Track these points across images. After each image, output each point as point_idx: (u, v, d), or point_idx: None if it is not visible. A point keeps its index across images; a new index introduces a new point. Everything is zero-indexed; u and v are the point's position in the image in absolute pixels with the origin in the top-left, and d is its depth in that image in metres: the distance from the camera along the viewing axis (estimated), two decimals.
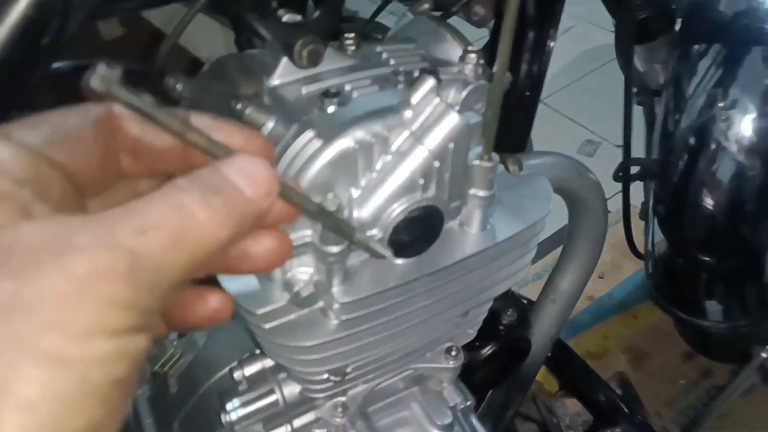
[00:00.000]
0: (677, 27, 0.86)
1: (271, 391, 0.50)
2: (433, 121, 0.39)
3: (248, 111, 0.41)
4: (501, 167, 0.48)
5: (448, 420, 0.57)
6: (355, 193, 0.40)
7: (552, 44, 0.65)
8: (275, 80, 0.43)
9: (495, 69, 0.37)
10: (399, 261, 0.43)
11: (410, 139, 0.39)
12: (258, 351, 0.54)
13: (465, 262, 0.45)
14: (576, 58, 2.48)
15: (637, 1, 0.78)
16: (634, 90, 0.91)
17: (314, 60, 0.42)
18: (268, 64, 0.44)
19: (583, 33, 2.42)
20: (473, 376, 0.68)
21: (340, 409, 0.52)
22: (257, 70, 0.44)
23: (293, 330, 0.43)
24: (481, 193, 0.43)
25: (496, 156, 0.43)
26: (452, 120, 0.39)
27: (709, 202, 0.83)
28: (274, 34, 0.43)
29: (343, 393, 0.53)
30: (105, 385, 0.19)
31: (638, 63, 0.89)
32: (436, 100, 0.39)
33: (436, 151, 0.39)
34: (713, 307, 0.87)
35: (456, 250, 0.45)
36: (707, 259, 0.87)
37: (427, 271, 0.44)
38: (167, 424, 0.59)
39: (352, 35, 0.46)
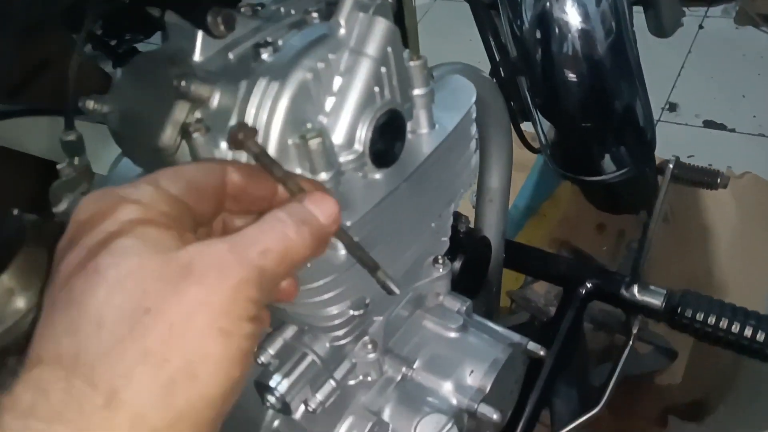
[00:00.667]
0: None
1: (304, 355, 0.51)
2: (366, 32, 0.42)
3: (193, 87, 0.41)
4: None
5: (461, 321, 0.61)
6: (324, 120, 0.42)
7: None
8: (198, 57, 0.44)
9: None
10: (378, 175, 0.46)
11: (353, 54, 0.42)
12: (268, 333, 0.54)
13: (429, 159, 0.49)
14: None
15: None
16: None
17: (230, 23, 0.44)
18: (183, 48, 0.45)
19: None
20: (456, 289, 0.73)
21: (370, 346, 0.54)
22: (176, 55, 0.45)
23: (308, 274, 0.44)
24: (422, 90, 0.48)
25: (424, 55, 0.47)
26: (383, 24, 0.42)
27: (573, 75, 0.94)
28: (181, 12, 0.44)
29: (366, 332, 0.55)
30: (248, 352, 0.29)
31: None
32: (360, 14, 0.43)
33: (379, 57, 0.43)
34: (608, 162, 0.99)
35: (419, 151, 0.49)
36: (590, 124, 0.98)
37: (404, 176, 0.47)
38: None
39: (244, 3, 0.48)
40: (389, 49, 0.43)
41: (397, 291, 0.38)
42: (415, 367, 0.59)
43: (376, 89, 0.43)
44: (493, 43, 1.09)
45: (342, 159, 0.43)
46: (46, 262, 0.43)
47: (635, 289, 0.77)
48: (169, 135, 0.42)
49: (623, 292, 0.78)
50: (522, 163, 1.59)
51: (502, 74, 0.94)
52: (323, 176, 0.41)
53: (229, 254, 0.29)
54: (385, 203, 0.46)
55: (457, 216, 0.76)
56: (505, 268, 0.87)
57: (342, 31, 0.42)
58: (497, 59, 0.91)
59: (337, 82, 0.42)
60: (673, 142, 1.94)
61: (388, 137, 0.44)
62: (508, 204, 0.80)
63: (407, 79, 0.46)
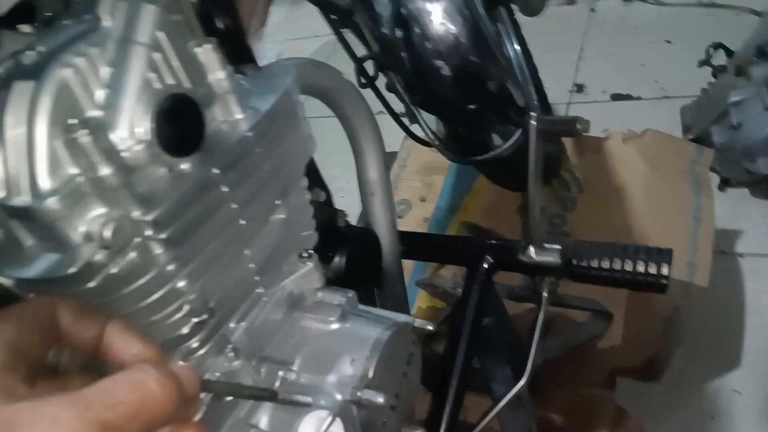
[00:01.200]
0: None
1: None
2: (132, 20, 0.41)
3: None
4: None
5: (339, 312, 0.59)
6: (99, 114, 0.40)
7: None
8: None
9: None
10: (185, 165, 0.44)
11: (120, 44, 0.41)
12: None
13: (244, 143, 0.47)
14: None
15: None
16: None
17: None
18: None
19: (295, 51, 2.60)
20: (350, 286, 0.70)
21: (231, 354, 0.51)
22: None
23: (125, 277, 0.41)
24: (220, 74, 0.46)
25: (212, 39, 0.46)
26: (148, 10, 0.41)
27: (439, 62, 0.95)
28: None
29: (227, 341, 0.52)
30: None
31: None
32: (125, 3, 0.41)
33: (150, 42, 0.41)
34: (495, 138, 0.99)
35: (230, 136, 0.47)
36: (472, 107, 0.98)
37: (214, 163, 0.45)
38: None
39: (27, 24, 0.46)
40: (161, 35, 0.42)
41: (309, 400, 0.41)
42: (293, 368, 0.55)
43: (153, 75, 0.41)
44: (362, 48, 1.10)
45: (127, 152, 0.41)
46: None
47: (532, 251, 0.76)
48: None
49: (521, 257, 0.77)
50: (439, 166, 1.60)
51: (370, 74, 0.95)
52: (105, 171, 0.39)
53: (67, 410, 0.28)
54: (197, 192, 0.44)
55: (334, 211, 0.74)
56: (408, 259, 0.85)
57: (105, 23, 0.41)
58: (357, 58, 0.91)
59: (107, 74, 0.40)
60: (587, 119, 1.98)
61: (176, 123, 0.42)
62: (391, 194, 0.78)
63: (196, 64, 0.45)
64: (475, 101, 0.99)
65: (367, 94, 0.88)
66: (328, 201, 0.74)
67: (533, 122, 0.73)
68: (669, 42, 2.10)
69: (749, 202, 1.55)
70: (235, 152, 0.47)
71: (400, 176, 1.59)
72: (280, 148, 0.52)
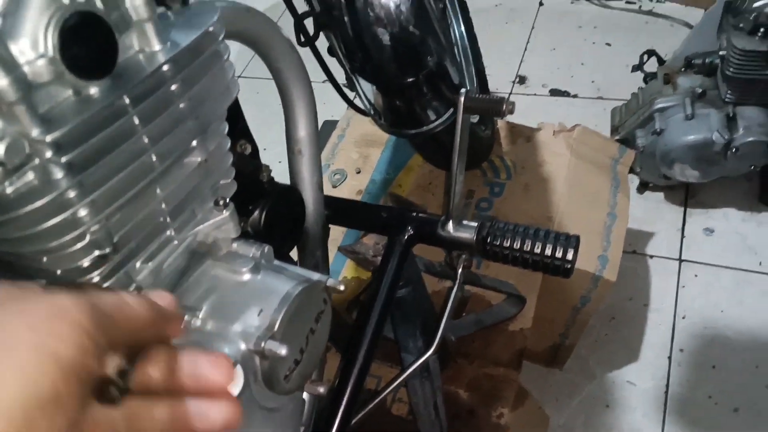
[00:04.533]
0: None
1: None
2: None
3: None
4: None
5: (251, 264, 0.58)
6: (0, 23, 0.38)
7: None
8: None
9: None
10: (93, 90, 0.42)
11: None
12: None
13: (158, 75, 0.46)
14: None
15: None
16: None
17: None
18: None
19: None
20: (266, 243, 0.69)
21: (133, 288, 0.49)
22: None
23: (20, 198, 0.39)
24: (137, 1, 0.44)
25: None
26: None
27: (383, 32, 0.95)
28: None
29: (131, 280, 0.50)
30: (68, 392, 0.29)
31: None
32: None
33: None
34: (429, 113, 1.00)
35: (145, 67, 0.45)
36: (409, 80, 0.99)
37: (124, 90, 0.43)
38: None
39: None
40: None
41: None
42: (199, 315, 0.54)
43: None
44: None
45: (27, 66, 0.38)
46: None
47: (450, 226, 0.78)
48: None
49: (440, 231, 0.78)
50: (377, 140, 1.60)
51: (310, 33, 0.93)
52: (1, 82, 0.36)
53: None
54: (104, 118, 0.42)
55: (257, 165, 0.73)
56: (332, 224, 0.85)
57: None
58: (297, 14, 0.89)
59: None
60: (524, 112, 2.03)
61: (84, 42, 0.40)
62: (319, 154, 0.78)
63: None
64: (412, 74, 0.99)
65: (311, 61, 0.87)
66: (254, 155, 0.73)
67: (462, 98, 0.74)
68: (609, 45, 2.18)
69: (663, 206, 1.65)
70: (149, 84, 0.45)
71: (338, 145, 1.58)
72: (199, 86, 0.50)
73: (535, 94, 2.09)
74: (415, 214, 0.82)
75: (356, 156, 1.57)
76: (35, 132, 0.39)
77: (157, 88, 0.46)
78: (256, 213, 0.69)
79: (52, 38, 0.38)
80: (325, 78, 1.00)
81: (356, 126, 1.62)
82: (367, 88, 1.08)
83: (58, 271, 0.46)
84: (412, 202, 1.11)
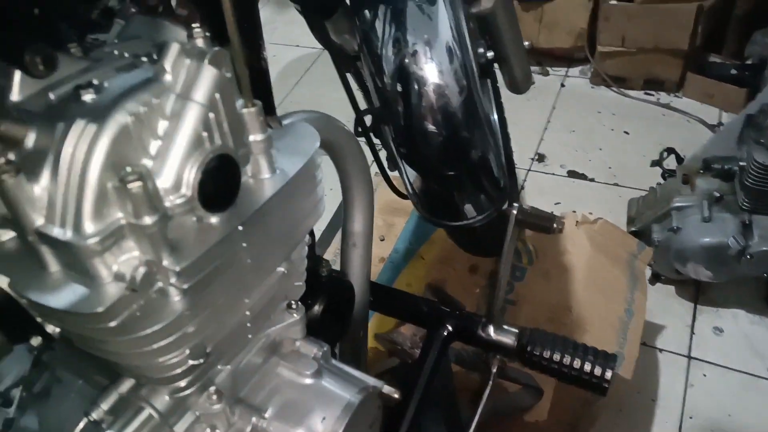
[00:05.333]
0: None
1: (140, 409, 0.49)
2: (193, 79, 0.43)
3: (3, 128, 0.40)
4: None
5: (315, 366, 0.61)
6: (150, 163, 0.42)
7: None
8: (16, 97, 0.43)
9: (230, 33, 0.43)
10: (214, 219, 0.46)
11: (179, 100, 0.43)
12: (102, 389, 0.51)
13: (269, 204, 0.50)
14: (275, 80, 2.67)
15: None
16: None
17: (51, 64, 0.42)
18: (1, 86, 0.43)
19: (273, 55, 2.61)
20: (318, 335, 0.72)
21: (214, 397, 0.52)
22: None
23: (141, 320, 0.42)
24: (259, 137, 0.49)
25: (257, 101, 0.48)
26: (210, 72, 0.43)
27: (432, 127, 1.00)
28: None
29: (211, 382, 0.53)
30: None
31: (332, 38, 1.03)
32: (188, 61, 0.43)
33: (207, 103, 0.43)
34: (469, 208, 1.04)
35: (258, 196, 0.49)
36: (451, 173, 1.03)
37: (241, 220, 0.47)
38: None
39: (74, 42, 0.47)
40: (218, 96, 0.44)
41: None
42: (266, 416, 0.57)
43: (204, 134, 0.43)
44: (361, 94, 1.14)
45: (169, 203, 0.42)
46: None
47: (490, 329, 0.81)
48: None
49: (480, 332, 0.81)
50: (402, 208, 1.64)
51: (368, 124, 0.98)
52: (147, 220, 0.40)
53: None
54: (222, 247, 0.46)
55: (318, 260, 0.76)
56: (373, 311, 0.89)
57: (167, 76, 0.42)
58: (361, 110, 0.95)
59: (163, 126, 0.42)
60: (542, 190, 2.10)
61: (218, 181, 0.44)
62: (371, 247, 0.81)
63: (241, 126, 0.47)
64: (456, 168, 1.04)
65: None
66: (312, 245, 0.77)
67: (513, 211, 0.78)
68: (627, 133, 2.26)
69: (674, 300, 1.68)
70: (257, 209, 0.49)
71: None
72: (296, 208, 0.54)
73: (553, 174, 2.16)
74: (455, 311, 0.85)
75: (381, 223, 1.61)
76: (166, 261, 0.42)
77: (265, 215, 0.50)
78: (316, 307, 0.72)
79: (194, 179, 0.43)
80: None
81: (382, 193, 1.66)
82: (410, 171, 1.13)
83: (147, 374, 0.49)
84: (448, 294, 1.14)
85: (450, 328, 0.83)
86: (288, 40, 2.76)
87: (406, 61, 0.97)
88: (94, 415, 0.48)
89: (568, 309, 1.29)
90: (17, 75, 0.42)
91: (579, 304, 1.28)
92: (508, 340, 0.80)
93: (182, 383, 0.50)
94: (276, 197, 0.50)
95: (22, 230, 0.40)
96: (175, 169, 0.42)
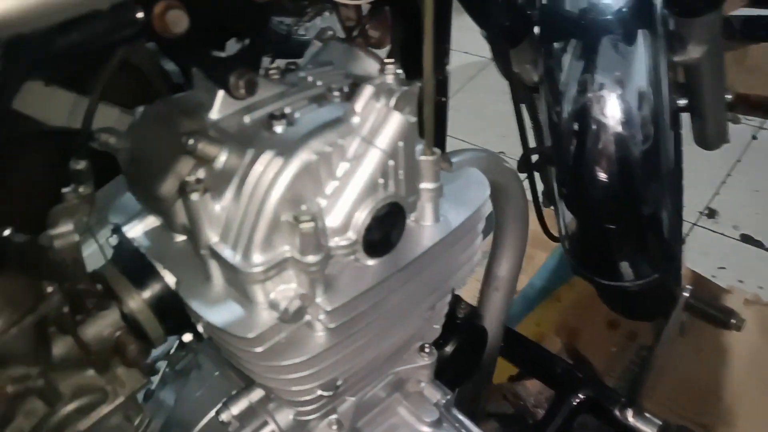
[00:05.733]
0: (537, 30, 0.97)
1: (264, 423, 0.50)
2: (380, 124, 0.42)
3: (200, 146, 0.42)
4: None
5: (436, 416, 0.59)
6: (323, 202, 0.42)
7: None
8: (215, 115, 0.45)
9: (425, 68, 0.42)
10: (371, 262, 0.45)
11: (363, 143, 0.42)
12: (236, 392, 0.53)
13: (427, 253, 0.48)
14: None
15: (499, 12, 0.87)
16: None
17: (251, 88, 0.44)
18: (203, 102, 0.45)
19: None
20: (444, 375, 0.70)
21: (335, 427, 0.52)
22: (194, 109, 0.45)
23: (285, 349, 0.43)
24: (431, 185, 0.47)
25: (437, 149, 0.47)
26: (397, 119, 0.42)
27: (603, 175, 0.93)
28: (205, 71, 0.44)
29: (334, 410, 0.53)
30: None
31: (514, 66, 0.99)
32: (378, 104, 0.43)
33: (389, 150, 0.42)
34: (626, 268, 0.96)
35: (418, 244, 0.48)
36: (613, 226, 0.96)
37: (397, 267, 0.46)
38: None
39: (275, 66, 0.49)
40: (401, 144, 0.43)
41: None
42: None
43: (381, 181, 0.43)
44: (531, 124, 1.09)
45: (333, 243, 0.42)
46: (28, 285, 0.43)
47: (630, 413, 0.74)
48: (168, 188, 0.42)
49: (617, 412, 0.75)
50: (545, 242, 1.56)
51: (533, 160, 0.94)
52: (311, 259, 0.40)
53: None
54: (375, 292, 0.45)
55: (456, 299, 0.74)
56: (502, 358, 0.85)
57: (356, 118, 0.42)
58: (528, 146, 0.90)
59: (343, 167, 0.42)
60: (706, 250, 1.89)
61: (384, 228, 0.44)
62: (513, 294, 0.78)
63: (415, 173, 0.46)
64: (620, 222, 0.96)
65: None
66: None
67: (685, 294, 0.70)
68: None
69: None
70: (415, 258, 0.48)
71: None
72: (453, 260, 0.52)
73: (722, 234, 1.94)
74: (593, 380, 0.79)
75: None
76: (319, 298, 0.43)
77: (421, 263, 0.48)
78: (447, 348, 0.70)
79: (362, 224, 0.42)
80: None
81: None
82: (566, 214, 1.06)
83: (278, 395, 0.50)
84: (584, 356, 1.07)
85: (582, 397, 0.77)
86: (457, 46, 2.73)
87: (589, 102, 0.91)
88: (223, 417, 0.50)
89: (718, 398, 1.15)
90: (220, 95, 0.44)
91: (732, 397, 1.13)
92: (648, 430, 0.72)
93: (308, 408, 0.50)
94: (436, 247, 0.49)
95: (197, 242, 0.42)
96: (345, 212, 0.42)
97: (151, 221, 0.49)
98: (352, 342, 0.47)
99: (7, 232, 0.45)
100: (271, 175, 0.40)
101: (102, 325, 0.44)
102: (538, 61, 0.98)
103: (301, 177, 0.40)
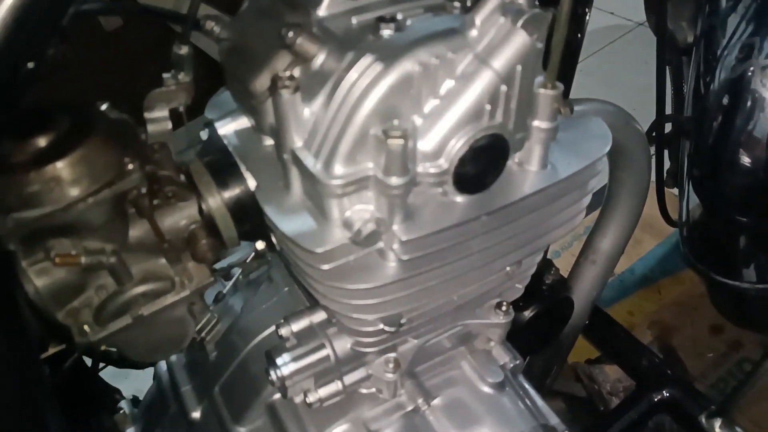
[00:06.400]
0: None
1: (321, 346, 0.48)
2: (500, 41, 0.37)
3: (299, 41, 0.38)
4: None
5: (500, 378, 0.55)
6: (419, 121, 0.38)
7: None
8: (323, 11, 0.41)
9: None
10: (460, 199, 0.41)
11: (476, 61, 0.37)
12: (299, 309, 0.52)
13: (525, 201, 0.43)
14: None
15: None
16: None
17: None
18: None
19: None
20: (516, 340, 0.66)
21: (392, 365, 0.50)
22: (302, 2, 0.42)
23: (352, 272, 0.40)
24: (545, 124, 0.41)
25: (560, 84, 0.41)
26: (521, 38, 0.37)
27: (748, 160, 0.81)
28: None
29: (394, 349, 0.51)
30: None
31: (668, 22, 0.87)
32: (502, 19, 0.37)
33: (504, 74, 0.37)
34: (750, 269, 0.85)
35: (516, 189, 0.43)
36: (746, 219, 0.84)
37: (487, 209, 0.42)
38: (207, 390, 0.57)
39: None
40: (519, 68, 0.37)
41: None
42: (432, 403, 0.54)
43: (488, 107, 0.38)
44: (671, 93, 0.97)
45: (422, 169, 0.38)
46: (112, 159, 0.42)
47: (716, 423, 0.66)
48: (261, 83, 0.40)
49: (702, 420, 0.67)
50: (658, 227, 1.43)
51: (666, 131, 0.83)
52: (394, 181, 0.37)
53: None
54: (456, 232, 0.41)
55: (546, 263, 0.68)
56: (583, 337, 0.79)
57: (473, 31, 0.37)
58: (664, 114, 0.80)
59: (447, 85, 0.37)
60: None
61: (481, 162, 0.39)
62: (610, 273, 0.71)
63: (529, 107, 0.40)
64: (755, 217, 0.84)
65: None
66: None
67: None
68: None
69: None
70: (512, 207, 0.43)
71: None
72: (553, 215, 0.46)
73: None
74: (681, 380, 0.72)
75: None
76: (396, 226, 0.39)
77: (515, 212, 0.43)
78: (526, 313, 0.65)
79: (457, 153, 0.38)
80: None
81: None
82: (692, 198, 0.95)
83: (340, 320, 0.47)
84: (677, 353, 0.97)
85: (666, 395, 0.70)
86: (602, 4, 2.50)
87: (750, 71, 0.78)
88: (282, 331, 0.49)
89: None
90: None
91: None
92: None
93: (368, 340, 0.48)
94: (536, 196, 0.43)
95: (280, 145, 0.40)
96: (441, 136, 0.38)
97: (244, 122, 0.47)
98: (424, 280, 0.43)
99: (104, 107, 0.45)
100: (366, 83, 0.36)
101: (178, 216, 0.44)
102: (698, 18, 0.86)
103: (398, 89, 0.36)
